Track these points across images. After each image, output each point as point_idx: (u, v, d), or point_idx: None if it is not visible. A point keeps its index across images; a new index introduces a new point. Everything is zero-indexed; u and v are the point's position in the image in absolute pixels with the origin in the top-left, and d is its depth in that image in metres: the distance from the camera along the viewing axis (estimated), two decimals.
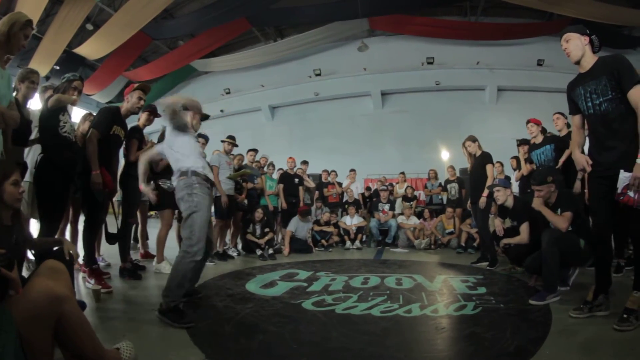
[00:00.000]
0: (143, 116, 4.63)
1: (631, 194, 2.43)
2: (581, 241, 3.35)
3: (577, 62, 2.77)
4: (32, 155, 3.67)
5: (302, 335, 2.52)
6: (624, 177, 2.48)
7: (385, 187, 8.10)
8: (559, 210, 3.51)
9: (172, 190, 4.59)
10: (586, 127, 2.91)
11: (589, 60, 2.72)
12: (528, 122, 4.97)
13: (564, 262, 3.28)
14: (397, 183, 9.03)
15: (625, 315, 2.46)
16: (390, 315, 2.92)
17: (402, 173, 9.34)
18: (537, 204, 3.58)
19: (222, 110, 15.15)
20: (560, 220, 3.38)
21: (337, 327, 2.67)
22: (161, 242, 4.63)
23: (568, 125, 4.87)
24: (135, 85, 4.00)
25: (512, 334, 2.48)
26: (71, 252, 2.22)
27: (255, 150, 7.00)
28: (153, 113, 4.66)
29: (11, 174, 2.04)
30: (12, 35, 2.48)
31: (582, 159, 2.79)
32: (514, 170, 6.86)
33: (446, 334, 2.59)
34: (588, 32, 2.78)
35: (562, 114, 4.80)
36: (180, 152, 3.05)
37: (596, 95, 2.63)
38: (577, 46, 2.72)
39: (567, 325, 2.63)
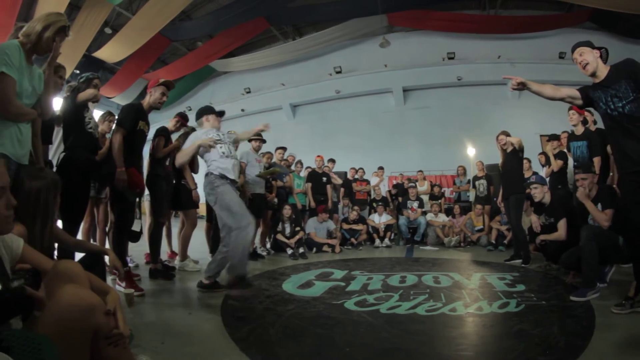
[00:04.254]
0: (172, 121, 4.77)
1: None
2: (620, 238, 3.33)
3: (592, 74, 2.88)
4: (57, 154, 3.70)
5: (352, 337, 2.50)
6: None
7: (414, 185, 8.08)
8: (599, 205, 3.51)
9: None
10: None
11: (603, 70, 2.85)
12: (570, 109, 4.88)
13: (602, 258, 3.28)
14: (417, 181, 9.00)
15: None
16: (436, 314, 2.95)
17: (420, 171, 9.37)
18: (581, 195, 3.56)
19: (242, 110, 15.23)
20: (603, 218, 3.38)
21: (386, 327, 2.67)
22: (186, 240, 4.77)
23: (595, 122, 4.87)
24: (160, 80, 3.94)
25: (559, 330, 2.52)
26: (116, 268, 2.16)
27: (284, 148, 7.10)
28: (182, 120, 4.78)
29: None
30: (43, 38, 2.31)
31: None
32: (543, 166, 6.78)
33: (495, 331, 2.63)
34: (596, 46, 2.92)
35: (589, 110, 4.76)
36: None
37: (617, 98, 2.72)
38: (591, 59, 2.85)
39: (610, 320, 2.66)
